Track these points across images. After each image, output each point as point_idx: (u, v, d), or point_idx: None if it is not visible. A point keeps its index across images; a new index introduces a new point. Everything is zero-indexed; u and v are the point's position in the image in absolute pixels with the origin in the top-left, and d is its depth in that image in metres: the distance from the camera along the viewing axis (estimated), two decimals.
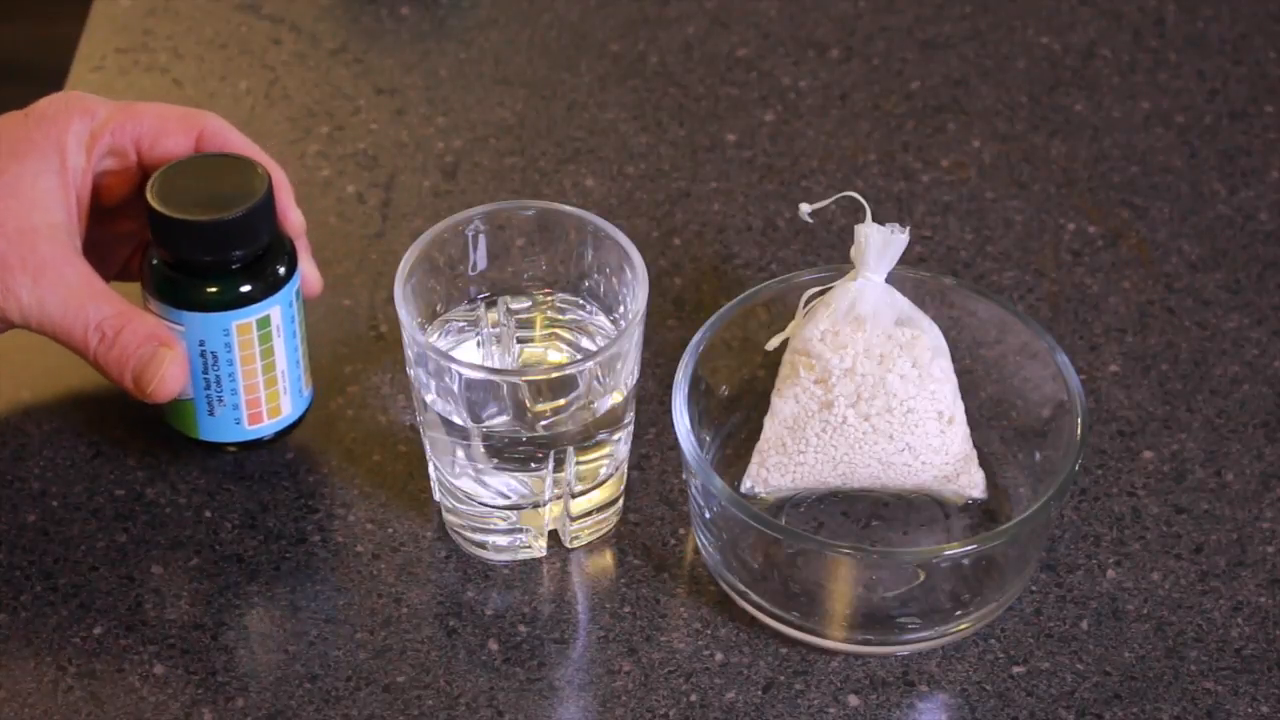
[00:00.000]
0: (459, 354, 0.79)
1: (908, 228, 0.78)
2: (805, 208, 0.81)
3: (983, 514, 0.81)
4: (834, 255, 0.93)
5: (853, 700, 0.76)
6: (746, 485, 0.80)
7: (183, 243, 0.76)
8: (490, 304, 0.81)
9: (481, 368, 0.77)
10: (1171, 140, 0.99)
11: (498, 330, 0.81)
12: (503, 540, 0.79)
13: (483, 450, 0.77)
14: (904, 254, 0.78)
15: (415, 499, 0.82)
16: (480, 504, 0.78)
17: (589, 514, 0.80)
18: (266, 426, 0.80)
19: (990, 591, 0.76)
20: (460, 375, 0.75)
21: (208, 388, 0.78)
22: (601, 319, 0.80)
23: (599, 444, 0.78)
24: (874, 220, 0.78)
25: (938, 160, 0.98)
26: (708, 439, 0.81)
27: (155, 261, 0.77)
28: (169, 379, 0.76)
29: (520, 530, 0.79)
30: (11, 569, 0.79)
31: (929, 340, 0.78)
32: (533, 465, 0.77)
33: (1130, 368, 0.88)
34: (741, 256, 0.93)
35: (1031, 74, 1.03)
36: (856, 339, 0.78)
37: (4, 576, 0.79)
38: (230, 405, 0.79)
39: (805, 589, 0.76)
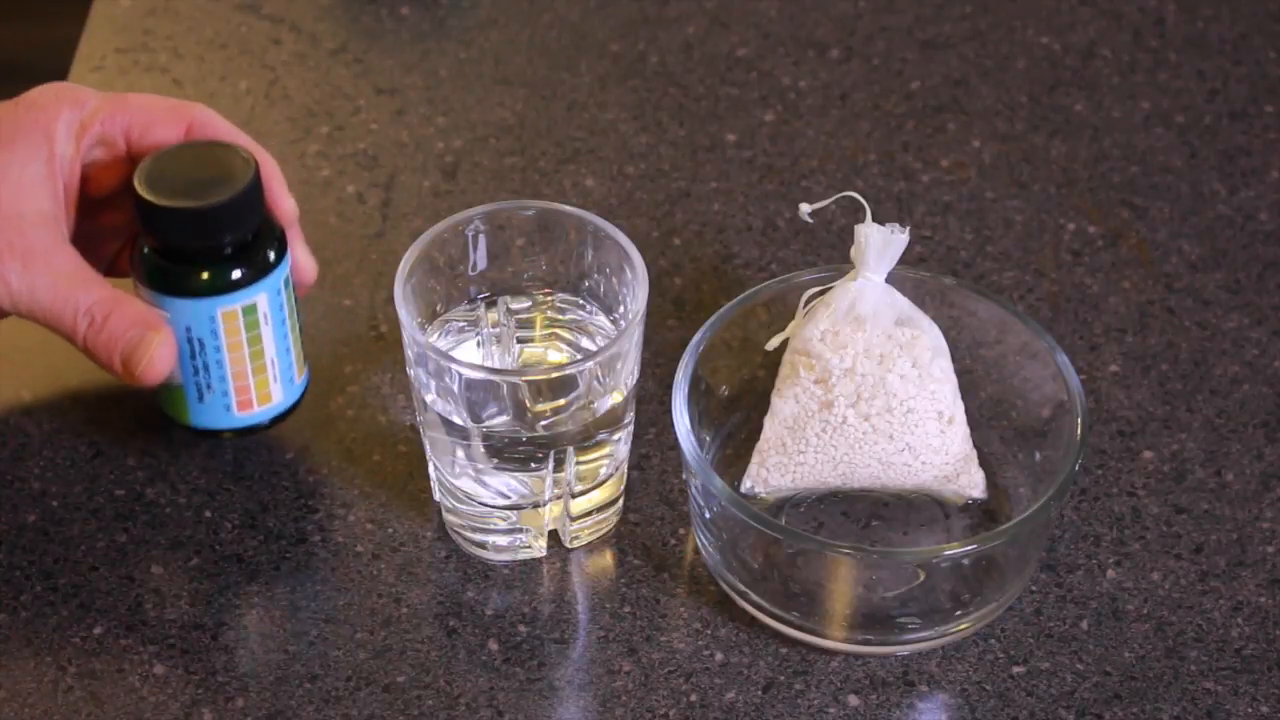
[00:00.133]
0: (459, 354, 0.79)
1: (908, 228, 0.78)
2: (805, 208, 0.81)
3: (983, 514, 0.81)
4: (834, 255, 0.93)
5: (853, 700, 0.76)
6: (746, 485, 0.80)
7: (168, 229, 0.76)
8: (490, 304, 0.81)
9: (481, 368, 0.77)
10: (1171, 140, 0.99)
11: (498, 330, 0.81)
12: (503, 540, 0.79)
13: (483, 450, 0.77)
14: (904, 254, 0.78)
15: (415, 499, 0.82)
16: (480, 504, 0.78)
17: (589, 514, 0.80)
18: (257, 414, 0.80)
19: (990, 591, 0.76)
20: (460, 375, 0.75)
21: (196, 374, 0.78)
22: (601, 319, 0.80)
23: (599, 444, 0.78)
24: (874, 220, 0.78)
25: (938, 160, 0.98)
26: (708, 439, 0.81)
27: (145, 250, 0.77)
28: (158, 361, 0.76)
29: (520, 530, 0.79)
30: (11, 569, 0.79)
31: (929, 340, 0.78)
32: (533, 465, 0.77)
33: (1130, 368, 0.88)
34: (741, 256, 0.93)
35: (1031, 74, 1.03)
36: (856, 339, 0.78)
37: (4, 576, 0.79)
38: (219, 392, 0.79)
39: (805, 589, 0.76)
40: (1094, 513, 0.82)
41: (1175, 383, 0.87)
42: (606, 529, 0.81)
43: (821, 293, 0.80)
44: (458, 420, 0.76)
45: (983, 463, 0.81)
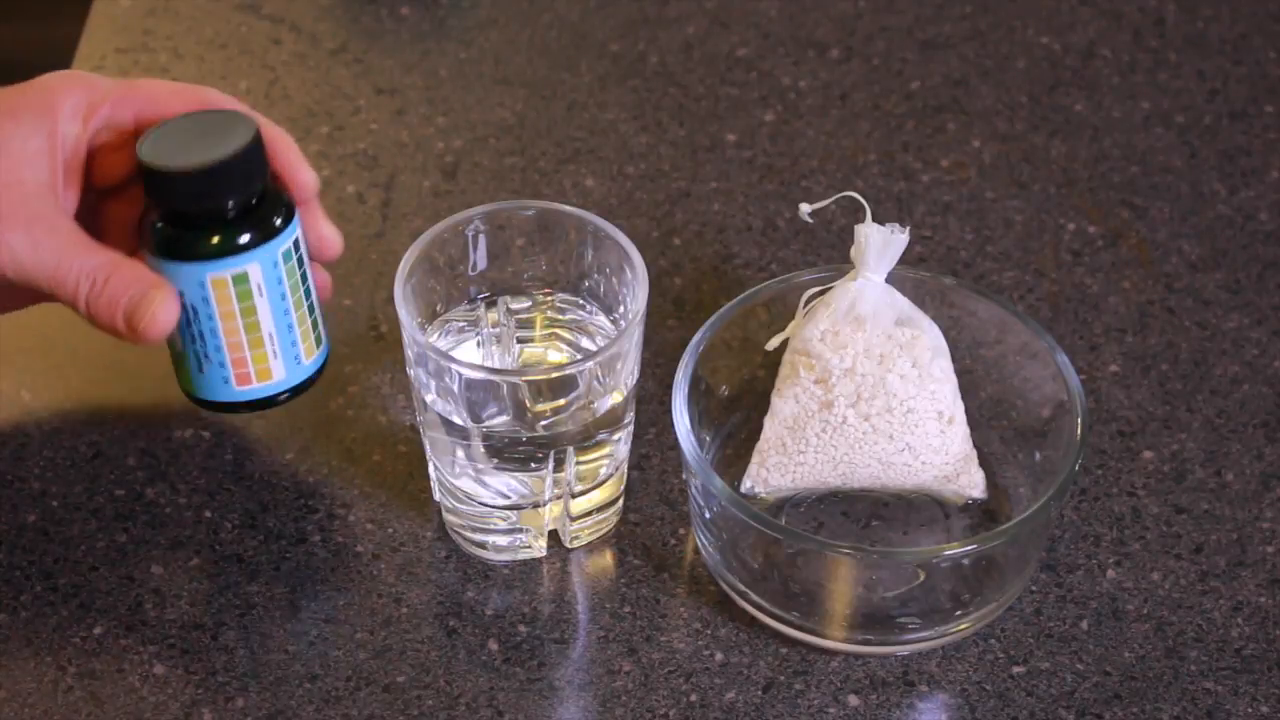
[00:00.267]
0: (459, 354, 0.79)
1: (908, 228, 0.78)
2: (805, 208, 0.81)
3: (983, 514, 0.81)
4: (834, 255, 0.93)
5: (853, 700, 0.76)
6: (746, 485, 0.80)
7: (157, 189, 0.75)
8: (490, 304, 0.81)
9: (481, 368, 0.77)
10: (1171, 140, 0.99)
11: (498, 330, 0.81)
12: (503, 540, 0.79)
13: (483, 450, 0.77)
14: (904, 254, 0.78)
15: (415, 499, 0.82)
16: (480, 504, 0.78)
17: (589, 514, 0.80)
18: (257, 389, 0.78)
19: (990, 591, 0.76)
20: (460, 375, 0.75)
21: (193, 341, 0.77)
22: (601, 319, 0.80)
23: (599, 444, 0.78)
24: (874, 220, 0.78)
25: (938, 160, 0.98)
26: (708, 439, 0.81)
27: (146, 212, 0.77)
28: (160, 317, 0.75)
29: (520, 530, 0.79)
30: (11, 569, 0.79)
31: (929, 340, 0.78)
32: (533, 465, 0.77)
33: (1130, 368, 0.88)
34: (741, 256, 0.93)
35: (1031, 74, 1.03)
36: (856, 339, 0.78)
37: (4, 576, 0.79)
38: (216, 363, 0.78)
39: (805, 589, 0.76)
40: (1094, 513, 0.82)
41: (1175, 383, 0.87)
42: (606, 529, 0.81)
43: (821, 293, 0.80)
44: (458, 420, 0.76)
45: (983, 463, 0.81)
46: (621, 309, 0.79)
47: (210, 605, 0.78)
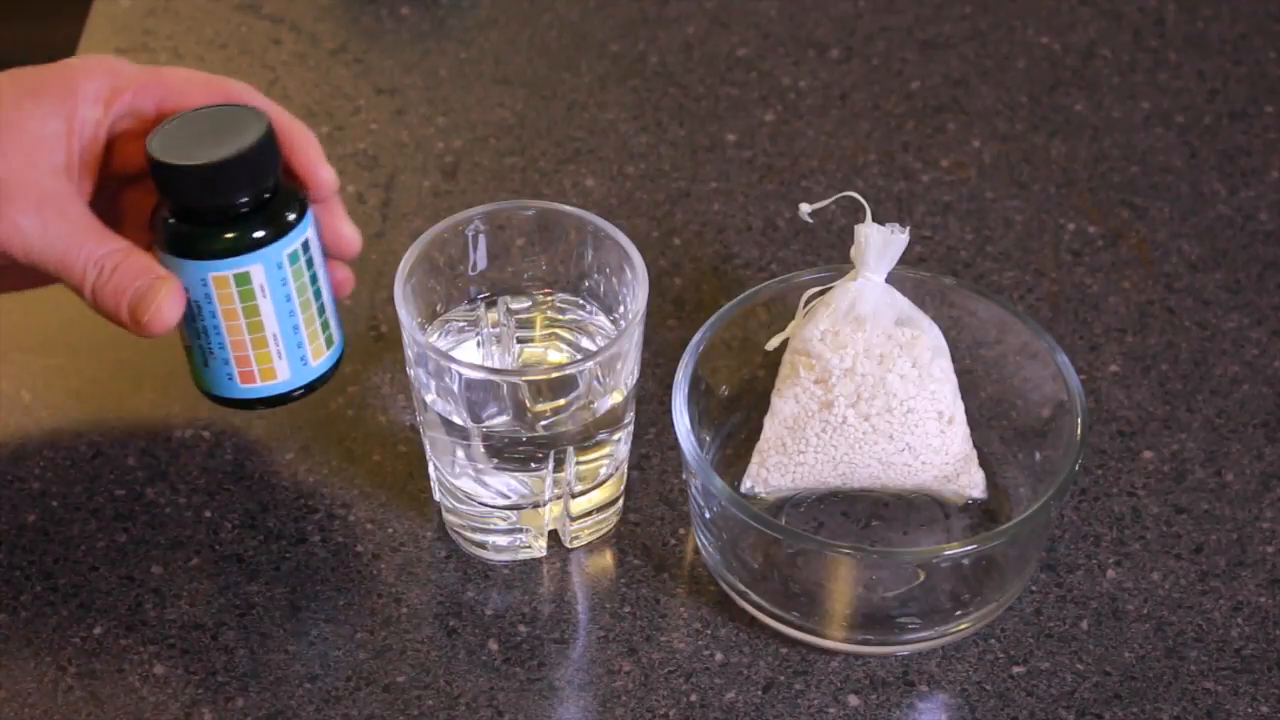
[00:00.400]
0: (459, 354, 0.79)
1: (908, 228, 0.78)
2: (805, 208, 0.81)
3: (983, 514, 0.81)
4: (834, 255, 0.93)
5: (853, 700, 0.76)
6: (746, 485, 0.80)
7: (164, 182, 0.75)
8: (490, 304, 0.81)
9: (481, 368, 0.77)
10: (1171, 140, 0.99)
11: (498, 330, 0.81)
12: (503, 540, 0.79)
13: (483, 450, 0.77)
14: (904, 254, 0.78)
15: (415, 499, 0.82)
16: (480, 504, 0.78)
17: (589, 514, 0.80)
18: (261, 388, 0.78)
19: (990, 591, 0.76)
20: (460, 375, 0.75)
21: (197, 337, 0.77)
22: (601, 319, 0.80)
23: (599, 444, 0.78)
24: (874, 220, 0.78)
25: (938, 160, 0.98)
26: (708, 439, 0.81)
27: (162, 211, 0.76)
28: (165, 310, 0.74)
29: (520, 530, 0.79)
30: (11, 569, 0.79)
31: (929, 340, 0.78)
32: (533, 465, 0.77)
33: (1130, 368, 0.88)
34: (741, 256, 0.93)
35: (1031, 74, 1.03)
36: (856, 339, 0.78)
37: (4, 576, 0.79)
38: (220, 360, 0.77)
39: (805, 589, 0.76)
40: (1094, 513, 0.82)
41: (1175, 383, 0.87)
42: (606, 529, 0.81)
43: (821, 293, 0.80)
44: (458, 420, 0.76)
45: (983, 463, 0.81)
46: (621, 309, 0.79)
47: (210, 605, 0.78)
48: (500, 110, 1.00)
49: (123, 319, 0.75)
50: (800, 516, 0.81)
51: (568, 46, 1.04)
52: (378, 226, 0.94)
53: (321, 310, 0.78)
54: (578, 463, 0.77)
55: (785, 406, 0.79)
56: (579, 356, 0.80)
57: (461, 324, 0.80)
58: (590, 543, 0.81)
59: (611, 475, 0.80)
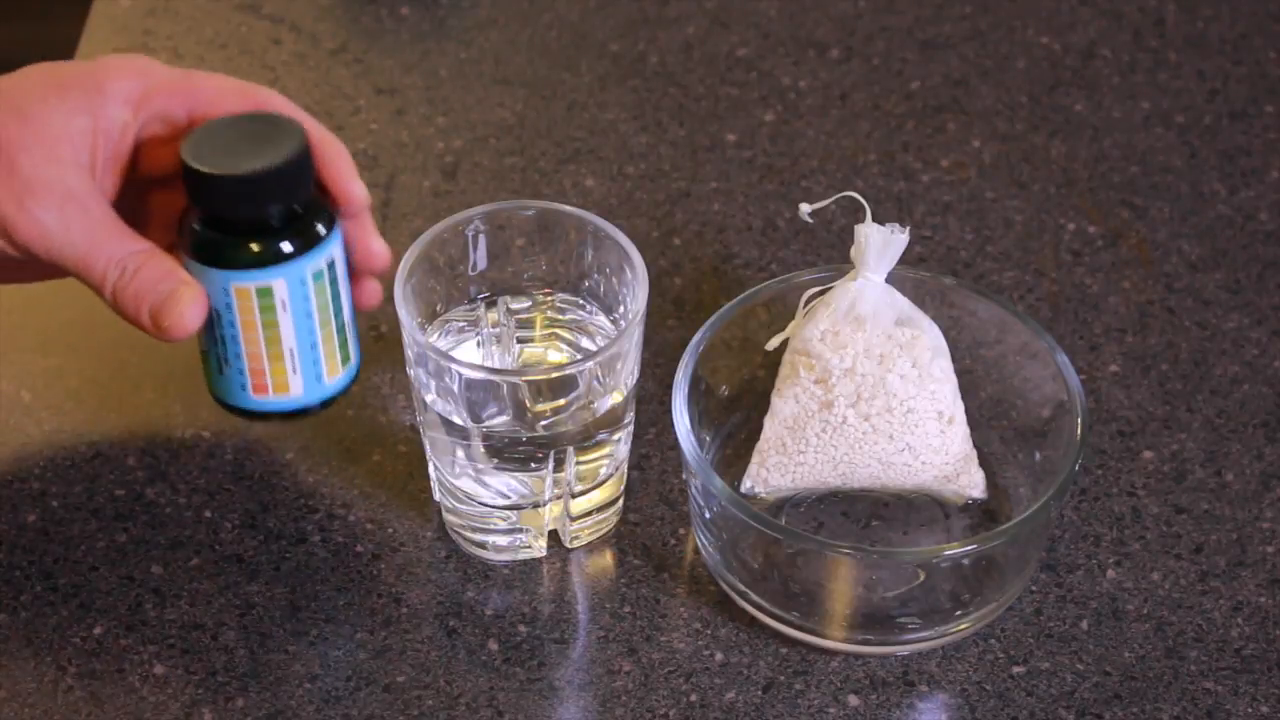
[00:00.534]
0: (459, 354, 0.79)
1: (908, 228, 0.78)
2: (805, 208, 0.81)
3: (983, 514, 0.81)
4: (834, 255, 0.93)
5: (853, 700, 0.76)
6: (746, 485, 0.80)
7: (198, 192, 0.74)
8: (490, 304, 0.81)
9: (481, 368, 0.77)
10: (1171, 140, 0.99)
11: (498, 330, 0.81)
12: (503, 540, 0.79)
13: (483, 450, 0.77)
14: (904, 254, 0.78)
15: (415, 499, 0.82)
16: (480, 504, 0.78)
17: (589, 514, 0.80)
18: (273, 401, 0.77)
19: (990, 591, 0.76)
20: (460, 375, 0.75)
21: (215, 344, 0.76)
22: (601, 319, 0.80)
23: (599, 444, 0.78)
24: (874, 220, 0.78)
25: (938, 160, 0.98)
26: (708, 439, 0.81)
27: (191, 216, 0.76)
28: (188, 317, 0.74)
29: (520, 530, 0.79)
30: (11, 569, 0.79)
31: (929, 340, 0.78)
32: (533, 465, 0.77)
33: (1130, 368, 0.88)
34: (741, 256, 0.93)
35: (1031, 74, 1.03)
36: (856, 339, 0.78)
37: (4, 576, 0.79)
38: (235, 369, 0.77)
39: (805, 589, 0.76)
40: (1094, 513, 0.82)
41: (1175, 383, 0.87)
42: (606, 529, 0.81)
43: (821, 293, 0.80)
44: (458, 420, 0.76)
45: (983, 463, 0.81)
46: (621, 309, 0.79)
47: (210, 605, 0.78)
48: (500, 110, 1.00)
49: (143, 322, 0.74)
50: (800, 516, 0.81)
51: (568, 46, 1.04)
52: (378, 227, 0.94)
53: (341, 328, 0.77)
54: (578, 463, 0.77)
55: (785, 406, 0.79)
56: (579, 356, 0.80)
57: (461, 324, 0.80)
58: (590, 543, 0.81)
59: (611, 475, 0.80)
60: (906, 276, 0.80)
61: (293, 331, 0.76)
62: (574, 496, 0.79)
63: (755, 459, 0.80)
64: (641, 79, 1.02)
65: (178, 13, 1.05)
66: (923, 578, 0.75)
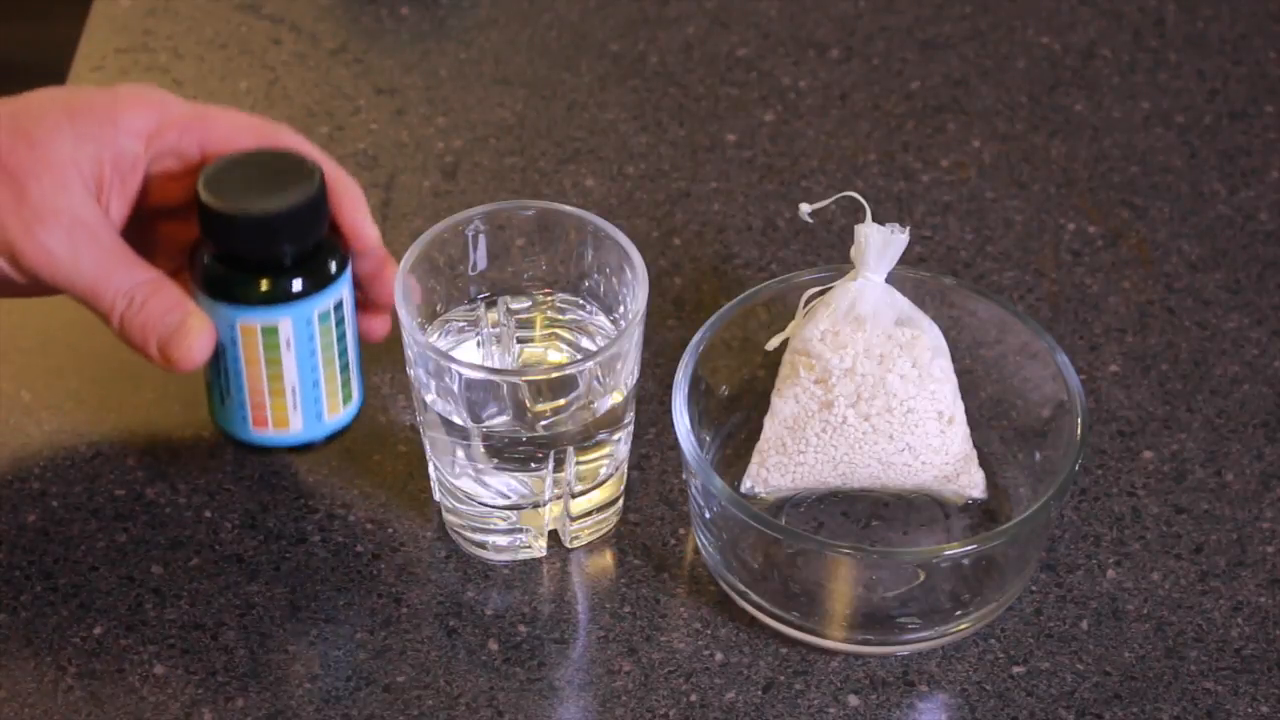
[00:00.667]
0: (459, 354, 0.79)
1: (908, 228, 0.78)
2: (805, 208, 0.81)
3: (983, 514, 0.81)
4: (834, 255, 0.93)
5: (853, 700, 0.76)
6: (746, 485, 0.80)
7: (211, 229, 0.74)
8: (490, 304, 0.81)
9: (481, 368, 0.77)
10: (1171, 140, 0.99)
11: (498, 330, 0.81)
12: (503, 540, 0.79)
13: (483, 450, 0.77)
14: (904, 254, 0.78)
15: (415, 499, 0.82)
16: (480, 504, 0.78)
17: (589, 514, 0.80)
18: (272, 436, 0.78)
19: (990, 591, 0.76)
20: (460, 375, 0.75)
21: (218, 375, 0.77)
22: (601, 319, 0.80)
23: (599, 444, 0.78)
24: (874, 220, 0.78)
25: (938, 160, 0.98)
26: (708, 439, 0.81)
27: (203, 249, 0.76)
28: (196, 349, 0.74)
29: (520, 530, 0.79)
30: (11, 569, 0.79)
31: (929, 340, 0.78)
32: (533, 465, 0.77)
33: (1130, 368, 0.88)
34: (741, 256, 0.93)
35: (1031, 74, 1.03)
36: (856, 339, 0.78)
37: (4, 576, 0.79)
38: (236, 402, 0.77)
39: (805, 589, 0.76)
40: (1094, 513, 0.82)
41: (1175, 383, 0.87)
42: (606, 529, 0.81)
43: (821, 293, 0.80)
44: (458, 420, 0.76)
45: (983, 463, 0.81)
46: (621, 309, 0.79)
47: (210, 605, 0.78)
48: (500, 110, 1.00)
49: (150, 353, 0.74)
50: (800, 516, 0.81)
51: (568, 46, 1.04)
52: (378, 227, 0.94)
53: (345, 367, 0.78)
54: (578, 463, 0.77)
55: (785, 406, 0.79)
56: (579, 356, 0.80)
57: (461, 324, 0.80)
58: (590, 543, 0.81)
59: (611, 475, 0.80)
60: (906, 276, 0.80)
61: (295, 370, 0.76)
62: (574, 496, 0.79)
63: (755, 459, 0.80)
64: (641, 79, 1.02)
65: (178, 13, 1.05)
66: (923, 578, 0.75)
